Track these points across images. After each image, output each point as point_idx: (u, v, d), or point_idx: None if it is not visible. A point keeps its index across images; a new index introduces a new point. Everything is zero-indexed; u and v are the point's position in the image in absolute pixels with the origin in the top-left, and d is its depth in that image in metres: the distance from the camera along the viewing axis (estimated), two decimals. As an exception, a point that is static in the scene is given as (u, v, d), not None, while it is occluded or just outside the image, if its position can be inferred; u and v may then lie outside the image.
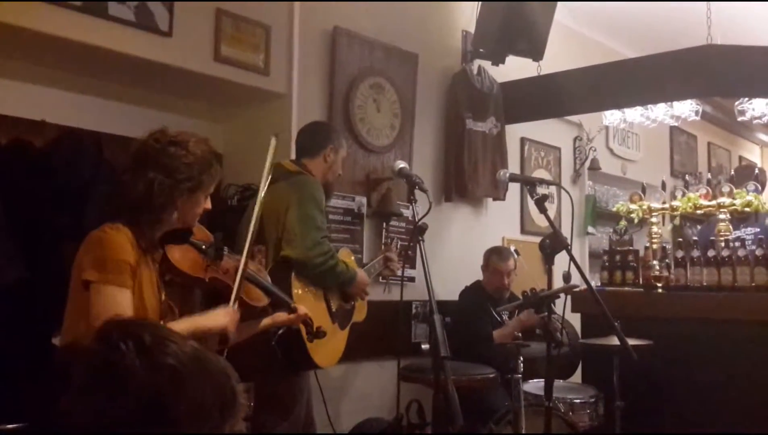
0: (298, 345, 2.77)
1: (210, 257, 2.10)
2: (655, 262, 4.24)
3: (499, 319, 4.29)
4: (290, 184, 3.04)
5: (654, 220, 4.49)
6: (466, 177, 4.80)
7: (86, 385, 0.87)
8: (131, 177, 1.96)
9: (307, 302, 2.92)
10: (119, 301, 1.85)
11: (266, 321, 2.36)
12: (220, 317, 2.03)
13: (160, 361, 0.88)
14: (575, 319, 4.37)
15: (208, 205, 2.09)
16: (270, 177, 2.34)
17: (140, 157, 1.98)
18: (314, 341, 2.56)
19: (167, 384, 0.87)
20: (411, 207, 2.68)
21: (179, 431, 0.87)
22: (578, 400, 3.70)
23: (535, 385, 3.68)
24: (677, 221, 4.63)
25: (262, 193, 2.28)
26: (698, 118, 5.84)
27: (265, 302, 2.27)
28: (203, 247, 2.10)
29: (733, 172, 5.09)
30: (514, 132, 5.36)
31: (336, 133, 3.41)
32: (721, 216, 4.33)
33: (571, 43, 5.71)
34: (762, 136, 8.61)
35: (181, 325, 1.96)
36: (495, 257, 4.38)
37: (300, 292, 2.95)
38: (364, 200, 4.26)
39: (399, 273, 3.55)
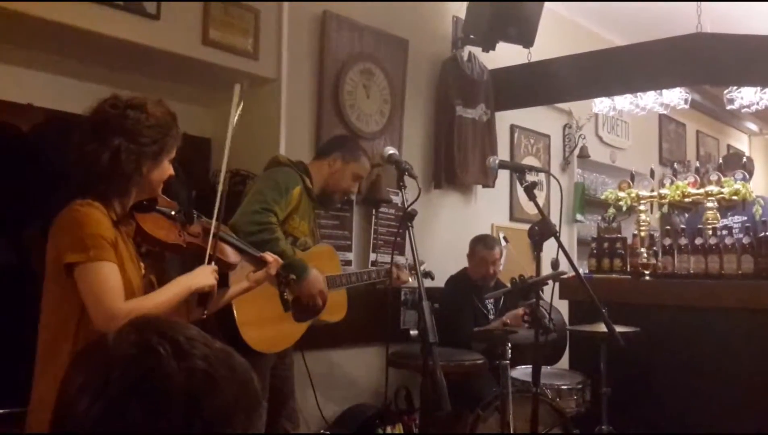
0: (229, 317, 2.74)
1: (181, 222, 2.05)
2: (642, 249, 4.26)
3: (484, 310, 4.31)
4: (268, 171, 3.13)
5: (642, 207, 4.51)
6: (455, 164, 4.80)
7: (125, 391, 0.84)
8: (94, 147, 1.86)
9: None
10: (108, 277, 1.81)
11: (242, 284, 2.26)
12: (208, 275, 1.99)
13: (194, 365, 0.86)
14: (563, 306, 4.39)
15: (171, 170, 2.02)
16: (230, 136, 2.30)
17: (100, 124, 1.89)
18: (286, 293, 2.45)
19: (202, 387, 0.85)
20: (400, 193, 2.66)
21: (212, 432, 0.85)
22: (565, 386, 3.73)
23: (522, 371, 3.71)
24: (665, 209, 4.65)
25: (228, 144, 2.24)
26: (687, 106, 5.86)
27: (238, 260, 2.20)
28: (172, 212, 2.05)
29: (721, 160, 5.11)
30: (504, 119, 5.36)
31: (351, 147, 3.40)
32: (709, 204, 4.35)
33: (561, 30, 5.71)
34: (750, 125, 8.64)
35: (173, 289, 1.93)
36: (480, 246, 4.35)
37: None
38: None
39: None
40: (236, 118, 2.20)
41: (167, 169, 2.00)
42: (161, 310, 1.89)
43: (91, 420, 0.83)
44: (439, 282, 4.40)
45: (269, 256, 2.29)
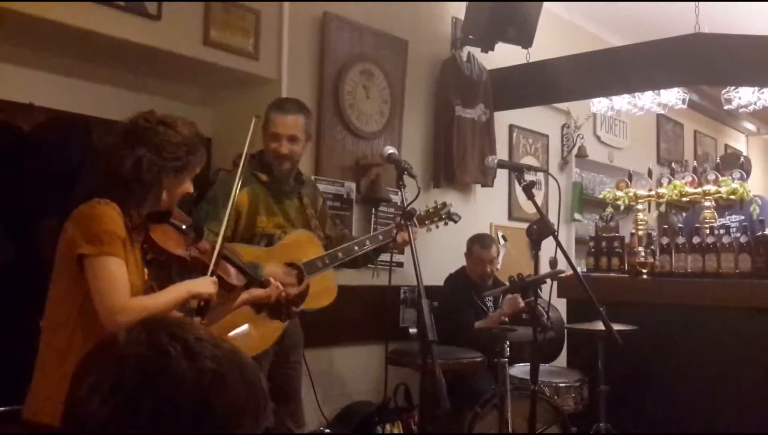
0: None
1: (190, 237, 2.13)
2: (640, 248, 4.27)
3: (483, 307, 4.33)
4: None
5: (640, 207, 4.52)
6: (454, 163, 4.82)
7: (136, 392, 0.84)
8: (120, 153, 1.98)
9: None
10: (117, 273, 1.89)
11: (243, 296, 2.35)
12: (208, 283, 2.07)
13: (203, 365, 0.87)
14: (561, 305, 4.41)
15: (191, 188, 2.12)
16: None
17: (130, 135, 2.01)
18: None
19: (211, 387, 0.86)
20: (400, 193, 2.66)
21: (221, 433, 0.86)
22: (563, 384, 3.75)
23: (520, 369, 3.72)
24: (663, 208, 4.66)
25: (239, 174, 2.28)
26: (685, 106, 5.88)
27: (242, 283, 2.29)
28: (183, 227, 2.14)
29: (718, 160, 5.12)
30: (503, 119, 5.38)
31: (263, 114, 3.05)
32: (707, 203, 4.36)
33: (560, 30, 5.73)
34: (748, 125, 8.66)
35: (174, 292, 2.01)
36: (477, 246, 4.38)
37: None
38: (353, 186, 4.28)
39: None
40: (247, 150, 2.31)
41: (187, 187, 2.10)
42: (163, 310, 1.96)
43: (101, 420, 0.83)
44: (440, 280, 4.42)
45: (274, 281, 2.39)
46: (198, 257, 2.12)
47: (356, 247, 3.07)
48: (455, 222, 3.46)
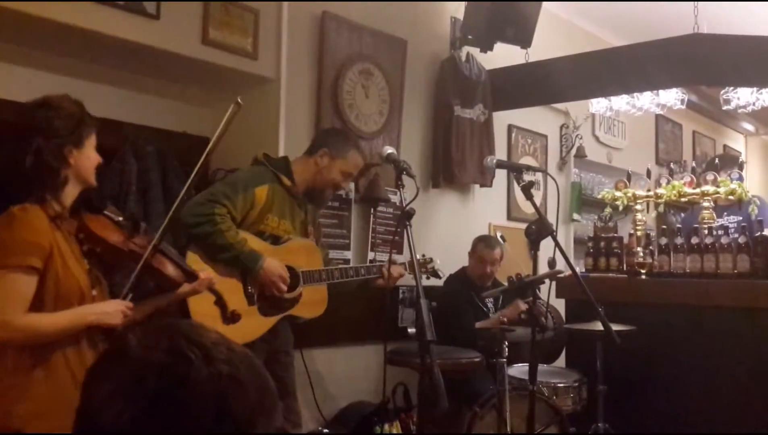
0: (184, 312, 2.66)
1: (127, 229, 2.13)
2: (639, 248, 4.27)
3: (484, 308, 4.33)
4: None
5: (638, 207, 4.52)
6: (453, 163, 4.82)
7: (159, 398, 0.84)
8: (17, 154, 1.96)
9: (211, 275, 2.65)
10: (15, 287, 1.86)
11: (168, 295, 2.30)
12: (115, 314, 2.01)
13: (221, 369, 0.87)
14: (560, 305, 4.41)
15: (99, 158, 2.11)
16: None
17: (18, 134, 2.00)
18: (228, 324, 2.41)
19: (229, 391, 0.87)
20: (398, 192, 2.66)
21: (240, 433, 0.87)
22: (562, 385, 3.75)
23: (519, 370, 3.72)
24: (661, 209, 4.66)
25: (204, 157, 2.28)
26: (684, 106, 5.88)
27: (180, 277, 2.24)
28: (119, 220, 2.14)
29: (717, 160, 5.12)
30: (502, 119, 5.38)
31: (339, 142, 3.24)
32: (705, 204, 4.36)
33: (558, 31, 5.73)
34: (746, 126, 8.67)
35: (73, 316, 1.95)
36: (481, 245, 4.40)
37: (200, 264, 2.78)
38: (352, 186, 4.27)
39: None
40: (219, 133, 2.31)
41: (94, 157, 2.09)
42: (56, 332, 1.92)
43: (121, 427, 0.83)
44: (438, 280, 4.42)
45: (202, 274, 2.35)
46: (134, 250, 2.10)
47: (351, 272, 3.26)
48: (439, 277, 3.72)
